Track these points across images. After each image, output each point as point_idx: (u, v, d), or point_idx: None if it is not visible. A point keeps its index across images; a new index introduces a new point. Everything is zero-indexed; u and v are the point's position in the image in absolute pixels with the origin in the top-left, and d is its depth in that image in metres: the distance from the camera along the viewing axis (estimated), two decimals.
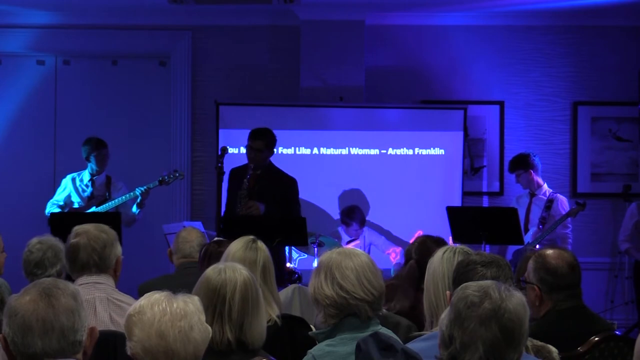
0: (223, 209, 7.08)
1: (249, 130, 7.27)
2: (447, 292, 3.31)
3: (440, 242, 4.86)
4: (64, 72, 8.79)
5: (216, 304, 3.03)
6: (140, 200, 7.57)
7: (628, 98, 8.53)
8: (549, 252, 3.75)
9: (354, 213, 7.89)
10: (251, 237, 3.90)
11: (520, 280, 3.77)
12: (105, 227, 3.99)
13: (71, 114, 8.73)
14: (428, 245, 4.80)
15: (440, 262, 3.51)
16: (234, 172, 7.29)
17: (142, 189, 7.54)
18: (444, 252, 3.54)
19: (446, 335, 2.36)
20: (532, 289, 3.70)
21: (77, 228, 3.97)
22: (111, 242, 3.92)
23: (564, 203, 7.83)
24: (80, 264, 3.86)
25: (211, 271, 3.11)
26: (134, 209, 7.63)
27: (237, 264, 3.20)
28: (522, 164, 7.84)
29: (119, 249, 3.96)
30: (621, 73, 8.66)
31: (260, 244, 3.86)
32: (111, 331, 3.63)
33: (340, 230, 8.11)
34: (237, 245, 3.85)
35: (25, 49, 8.64)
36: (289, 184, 7.18)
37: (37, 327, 2.36)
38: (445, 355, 2.38)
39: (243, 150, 7.76)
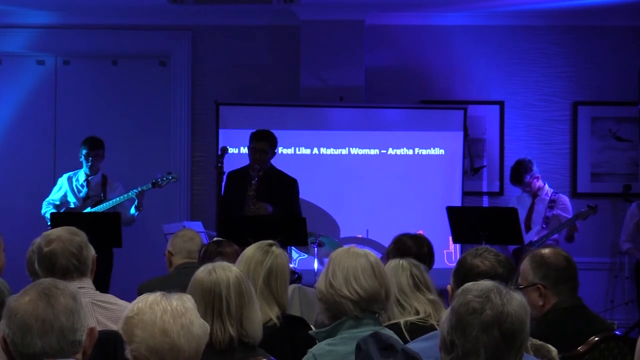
0: (218, 210, 7.06)
1: (249, 130, 7.29)
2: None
3: (416, 238, 4.88)
4: (64, 72, 8.78)
5: (213, 303, 3.04)
6: (138, 203, 7.54)
7: (628, 98, 8.53)
8: (544, 251, 3.78)
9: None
10: (270, 241, 3.87)
11: (519, 287, 3.76)
12: (75, 229, 3.85)
13: (71, 114, 8.72)
14: (404, 241, 4.83)
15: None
16: (233, 174, 7.31)
17: (136, 190, 7.51)
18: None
19: (447, 341, 2.37)
20: (534, 290, 3.69)
21: (48, 234, 3.82)
22: (85, 243, 3.80)
23: (567, 202, 7.86)
24: (61, 270, 3.72)
25: (202, 272, 3.12)
26: (132, 210, 7.58)
27: (226, 262, 3.22)
28: (524, 172, 7.82)
29: (92, 249, 3.85)
30: (621, 73, 8.64)
31: (276, 249, 3.80)
32: (111, 331, 3.62)
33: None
34: (253, 246, 3.85)
35: (25, 49, 8.64)
36: (291, 184, 7.31)
37: (37, 327, 2.36)
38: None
39: (243, 150, 7.77)
